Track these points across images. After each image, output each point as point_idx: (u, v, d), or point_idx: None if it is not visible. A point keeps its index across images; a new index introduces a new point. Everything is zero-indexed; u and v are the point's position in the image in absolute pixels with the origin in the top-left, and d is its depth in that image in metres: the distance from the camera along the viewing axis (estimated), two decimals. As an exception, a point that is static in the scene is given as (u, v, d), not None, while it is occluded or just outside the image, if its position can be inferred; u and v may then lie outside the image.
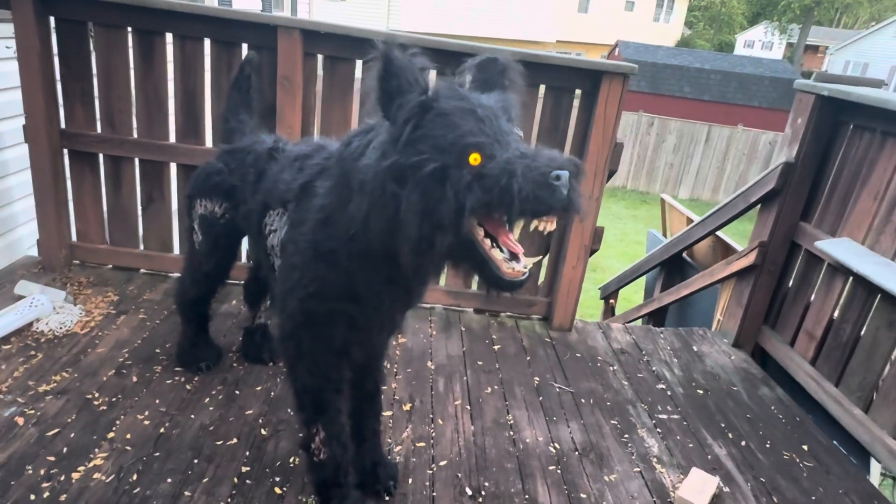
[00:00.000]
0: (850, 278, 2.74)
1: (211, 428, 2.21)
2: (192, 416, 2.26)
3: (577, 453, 2.36)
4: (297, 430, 2.25)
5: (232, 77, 2.43)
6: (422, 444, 2.29)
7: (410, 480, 2.10)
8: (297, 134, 2.94)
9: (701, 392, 2.90)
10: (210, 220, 2.16)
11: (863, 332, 2.67)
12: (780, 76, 17.98)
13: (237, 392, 2.44)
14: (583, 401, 2.71)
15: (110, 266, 3.30)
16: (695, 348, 3.32)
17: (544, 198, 1.15)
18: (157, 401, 2.32)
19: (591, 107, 2.97)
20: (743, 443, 2.56)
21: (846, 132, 2.87)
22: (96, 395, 2.30)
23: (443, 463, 2.20)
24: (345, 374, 1.72)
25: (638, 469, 2.31)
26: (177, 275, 3.29)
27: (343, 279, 1.53)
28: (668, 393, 2.87)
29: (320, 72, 2.96)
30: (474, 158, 1.21)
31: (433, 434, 2.35)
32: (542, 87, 2.99)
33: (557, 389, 2.76)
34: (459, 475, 2.16)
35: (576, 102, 3.03)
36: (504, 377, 2.80)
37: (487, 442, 2.35)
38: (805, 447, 2.58)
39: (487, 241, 1.27)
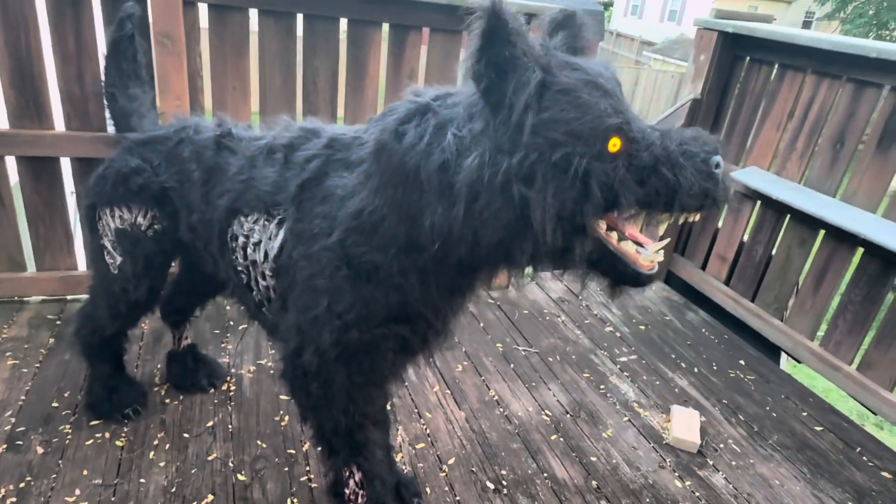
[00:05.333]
0: (758, 203, 2.99)
1: (173, 489, 1.78)
2: (143, 481, 1.79)
3: (569, 416, 2.33)
4: (279, 464, 1.91)
5: (110, 35, 1.84)
6: (421, 444, 2.08)
7: (428, 490, 1.90)
8: (185, 105, 2.37)
9: (643, 328, 3.04)
10: (133, 235, 1.64)
11: (774, 252, 2.95)
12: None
13: (186, 435, 1.99)
14: (550, 359, 2.68)
15: (-66, 301, 2.48)
16: (619, 285, 3.46)
17: (710, 191, 0.99)
18: (86, 472, 1.80)
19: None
20: (696, 369, 2.74)
21: (742, 66, 3.05)
22: (-7, 484, 1.72)
23: (451, 461, 2.03)
24: (384, 402, 1.44)
25: (626, 418, 2.36)
26: (37, 298, 2.60)
27: (394, 298, 1.23)
28: (618, 335, 2.96)
29: (203, 25, 2.39)
30: (614, 144, 0.99)
31: (427, 430, 2.16)
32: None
33: (523, 353, 2.70)
34: (474, 469, 2.01)
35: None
36: (468, 350, 2.66)
37: (484, 425, 2.22)
38: (742, 362, 2.84)
39: (613, 235, 1.08)
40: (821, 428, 2.44)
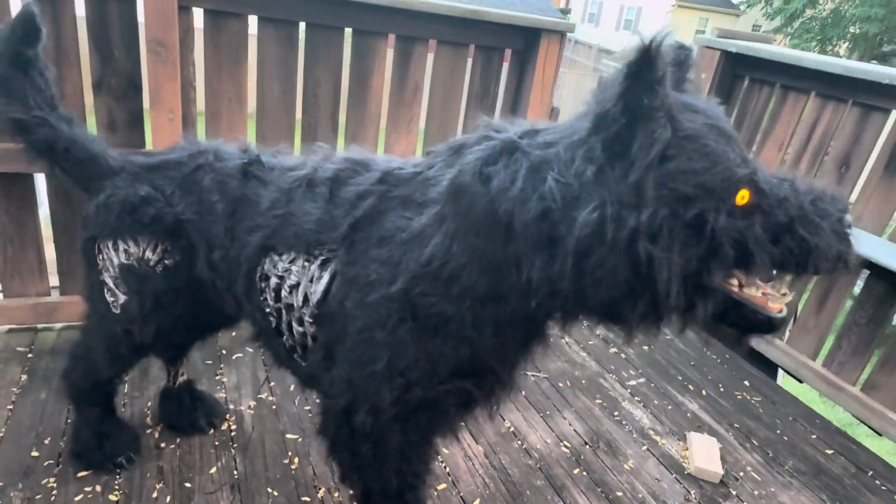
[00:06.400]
0: (759, 223, 2.99)
1: (181, 551, 1.60)
2: (145, 542, 1.61)
3: (588, 447, 2.25)
4: (294, 514, 1.76)
5: (15, 44, 1.43)
6: (442, 485, 1.96)
7: (457, 537, 1.78)
8: (178, 119, 2.17)
9: (646, 348, 3.00)
10: (140, 271, 1.45)
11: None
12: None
13: (188, 485, 1.81)
14: (560, 384, 2.60)
15: None
16: (616, 302, 3.43)
17: (844, 254, 0.93)
18: (78, 534, 1.60)
19: (522, 68, 2.71)
20: (703, 392, 2.71)
21: (742, 86, 3.05)
22: (-31, 555, 1.51)
23: (476, 503, 1.91)
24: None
25: (645, 447, 2.30)
26: (3, 328, 2.35)
27: (463, 353, 1.11)
28: (623, 356, 2.91)
29: (198, 25, 2.20)
30: (742, 196, 0.90)
31: (447, 469, 2.03)
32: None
33: (533, 378, 2.61)
34: (501, 512, 1.90)
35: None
36: (477, 377, 2.55)
37: (504, 461, 2.11)
38: (746, 383, 2.84)
39: (734, 283, 0.99)
40: (831, 451, 2.44)
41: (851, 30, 17.43)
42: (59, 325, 2.42)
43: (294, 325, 1.30)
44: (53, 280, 2.39)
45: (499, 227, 0.99)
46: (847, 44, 18.07)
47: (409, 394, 1.12)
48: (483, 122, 1.10)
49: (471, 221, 1.01)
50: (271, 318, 1.35)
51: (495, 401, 1.26)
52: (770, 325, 1.04)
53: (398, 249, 1.11)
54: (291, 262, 1.27)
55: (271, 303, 1.33)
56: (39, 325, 2.40)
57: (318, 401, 1.32)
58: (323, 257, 1.23)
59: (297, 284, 1.26)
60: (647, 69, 0.86)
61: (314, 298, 1.24)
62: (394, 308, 1.10)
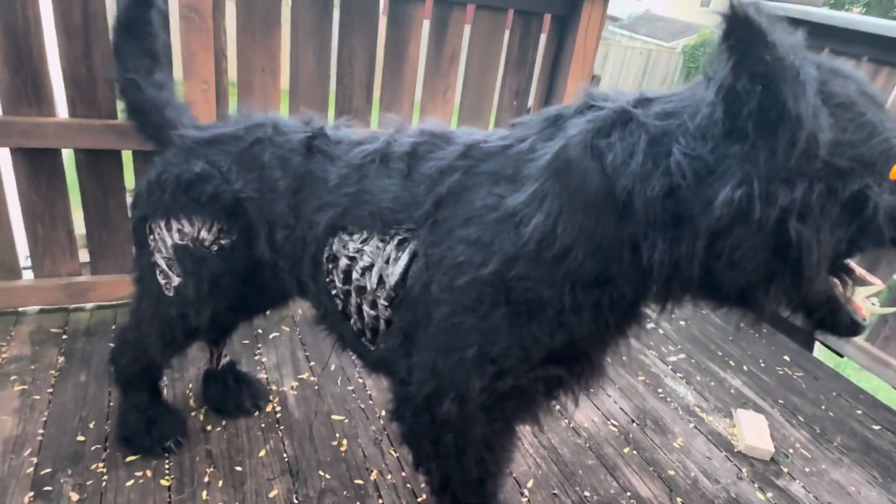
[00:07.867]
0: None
1: (239, 537, 1.56)
2: (203, 528, 1.57)
3: (636, 425, 2.21)
4: (348, 498, 1.72)
5: (126, 8, 1.51)
6: (494, 466, 1.92)
7: (514, 519, 1.75)
8: (212, 90, 2.07)
9: (683, 323, 2.95)
10: (195, 251, 1.38)
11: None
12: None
13: (238, 468, 1.77)
14: (601, 361, 2.55)
15: (-86, 315, 2.13)
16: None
17: None
18: (134, 521, 1.57)
19: (562, 34, 2.59)
20: (745, 367, 2.67)
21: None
22: (27, 543, 1.47)
23: (530, 484, 1.88)
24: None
25: (692, 424, 2.26)
26: (35, 309, 2.29)
27: (559, 339, 1.05)
28: (661, 332, 2.86)
29: (229, -4, 2.08)
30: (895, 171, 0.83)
31: (497, 449, 1.99)
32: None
33: (573, 355, 2.56)
34: (556, 492, 1.86)
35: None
36: (517, 354, 2.50)
37: (553, 440, 2.08)
38: (786, 358, 2.79)
39: (836, 279, 0.93)
40: (878, 427, 2.40)
41: (866, -7, 17.02)
42: (90, 305, 2.36)
43: (365, 307, 1.24)
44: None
45: (614, 206, 0.91)
46: (861, 9, 17.68)
47: (499, 382, 1.06)
48: (584, 91, 1.02)
49: (580, 199, 0.93)
50: (338, 301, 1.29)
51: (585, 386, 1.20)
52: (854, 330, 0.99)
53: (489, 229, 1.04)
54: (364, 242, 1.20)
55: (339, 285, 1.26)
56: (71, 306, 2.34)
57: (392, 387, 1.26)
58: (400, 237, 1.15)
59: (371, 266, 1.19)
60: (748, 32, 0.77)
61: (391, 280, 1.17)
62: (486, 292, 1.03)
